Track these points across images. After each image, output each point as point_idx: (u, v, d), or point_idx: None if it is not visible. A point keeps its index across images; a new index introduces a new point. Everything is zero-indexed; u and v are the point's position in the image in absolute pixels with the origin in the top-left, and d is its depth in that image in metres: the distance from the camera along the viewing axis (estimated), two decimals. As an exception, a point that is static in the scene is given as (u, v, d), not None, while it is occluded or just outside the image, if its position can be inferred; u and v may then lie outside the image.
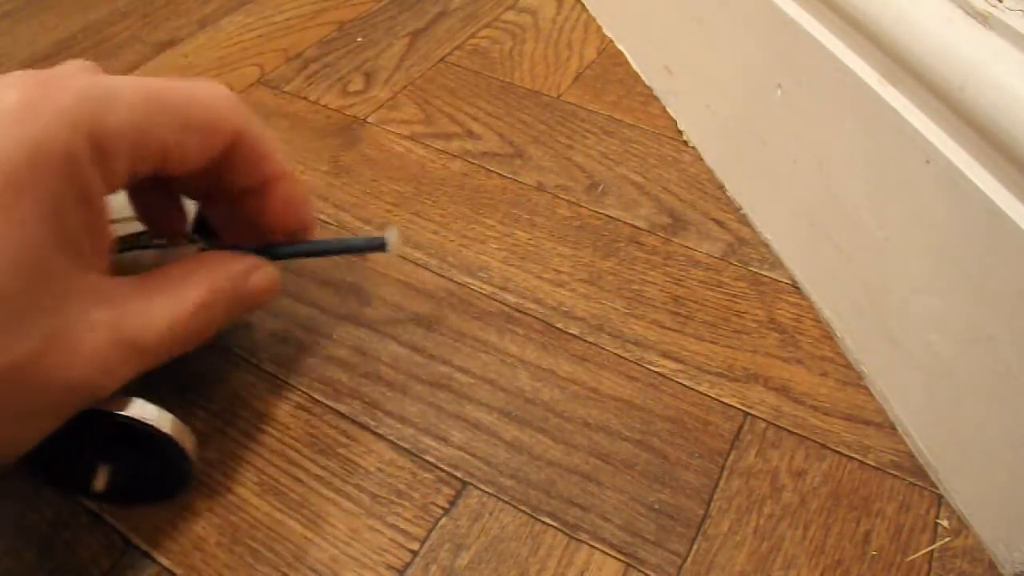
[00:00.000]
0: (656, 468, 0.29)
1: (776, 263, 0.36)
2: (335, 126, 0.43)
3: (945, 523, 0.28)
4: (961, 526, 0.28)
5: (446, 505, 0.28)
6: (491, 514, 0.27)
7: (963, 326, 0.26)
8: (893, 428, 0.30)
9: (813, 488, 0.28)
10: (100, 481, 0.25)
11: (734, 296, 0.35)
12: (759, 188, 0.37)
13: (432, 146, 0.42)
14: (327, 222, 0.37)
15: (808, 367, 0.32)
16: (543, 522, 0.27)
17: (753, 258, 0.37)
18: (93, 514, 0.27)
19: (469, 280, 0.35)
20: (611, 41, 0.50)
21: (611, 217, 0.38)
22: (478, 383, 0.31)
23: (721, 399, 0.31)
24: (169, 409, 0.30)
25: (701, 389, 0.31)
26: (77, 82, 0.20)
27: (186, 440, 0.25)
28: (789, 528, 0.27)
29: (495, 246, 0.37)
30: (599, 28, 0.51)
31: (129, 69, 0.48)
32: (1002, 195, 0.24)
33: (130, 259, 0.28)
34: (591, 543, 0.27)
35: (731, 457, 0.29)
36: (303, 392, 0.31)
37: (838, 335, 0.33)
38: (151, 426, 0.24)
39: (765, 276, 0.36)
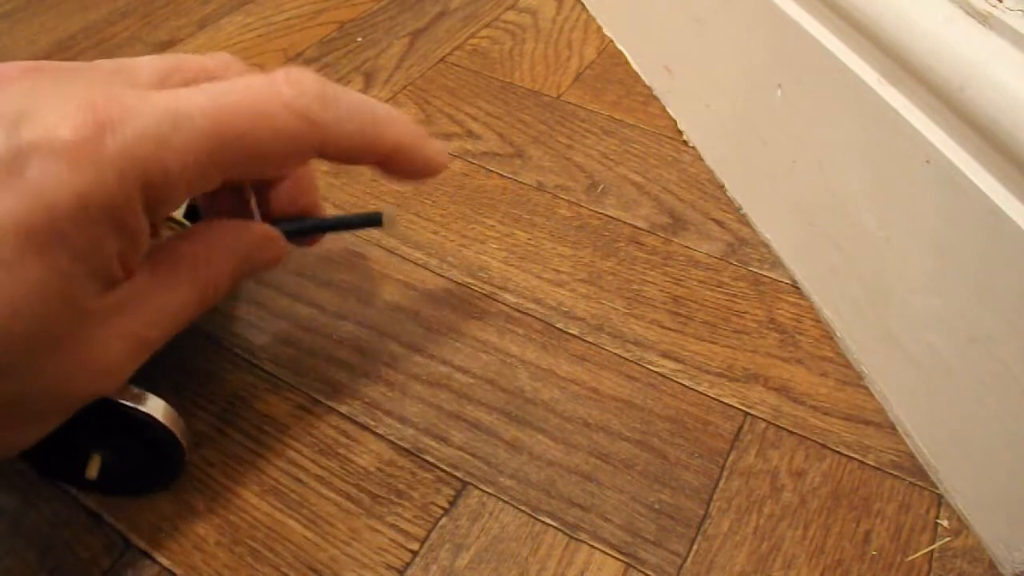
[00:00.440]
0: (656, 468, 0.29)
1: (776, 263, 0.36)
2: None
3: (945, 523, 0.28)
4: (961, 526, 0.28)
5: (446, 505, 0.28)
6: (491, 514, 0.27)
7: (963, 326, 0.26)
8: (893, 428, 0.30)
9: (813, 488, 0.28)
10: (92, 469, 0.25)
11: (734, 296, 0.35)
12: (759, 188, 0.37)
13: (432, 146, 0.42)
14: (327, 222, 0.37)
15: (808, 367, 0.32)
16: (543, 522, 0.27)
17: (753, 258, 0.37)
18: (93, 514, 0.27)
19: (469, 280, 0.35)
20: (611, 41, 0.50)
21: (611, 217, 0.38)
22: (478, 383, 0.31)
23: (721, 399, 0.31)
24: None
25: (701, 389, 0.31)
26: (140, 115, 0.19)
27: (178, 427, 0.25)
28: (789, 528, 0.27)
29: (495, 246, 0.37)
30: (599, 28, 0.51)
31: (129, 69, 0.47)
32: (1002, 195, 0.24)
33: None
34: (591, 543, 0.27)
35: (731, 457, 0.29)
36: (303, 392, 0.31)
37: (838, 335, 0.33)
38: (144, 412, 0.24)
39: (765, 276, 0.36)
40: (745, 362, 0.32)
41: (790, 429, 0.30)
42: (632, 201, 0.39)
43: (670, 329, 0.33)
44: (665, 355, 0.32)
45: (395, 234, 0.37)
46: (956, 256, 0.26)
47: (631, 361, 0.32)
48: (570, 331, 0.33)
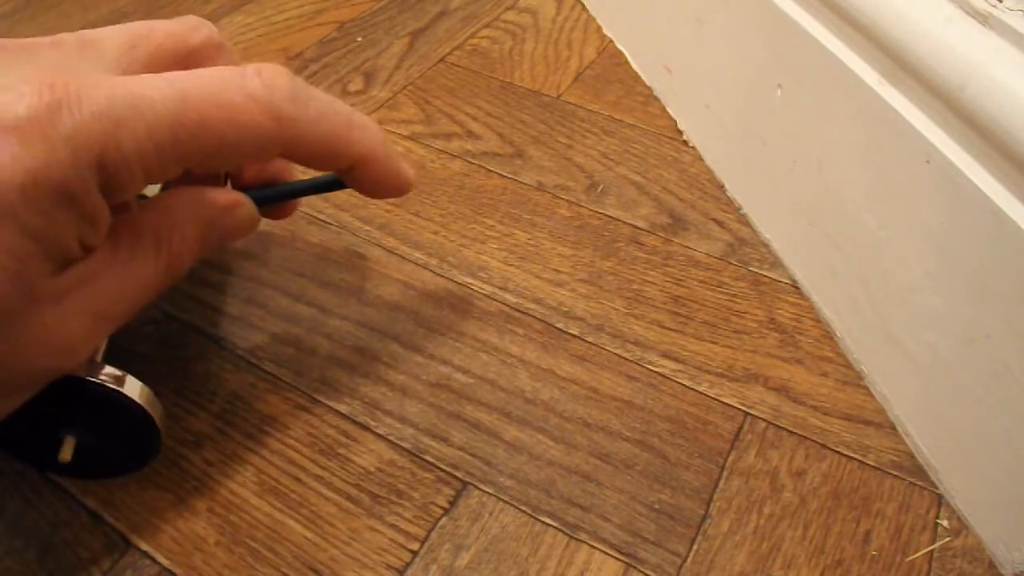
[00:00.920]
0: (656, 468, 0.29)
1: (776, 263, 0.36)
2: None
3: (945, 523, 0.28)
4: (961, 526, 0.28)
5: (446, 505, 0.28)
6: (491, 514, 0.27)
7: (963, 326, 0.26)
8: (893, 428, 0.30)
9: (813, 488, 0.28)
10: (66, 452, 0.25)
11: (734, 296, 0.35)
12: (759, 188, 0.37)
13: (432, 146, 0.42)
14: (327, 222, 0.37)
15: (808, 367, 0.32)
16: (543, 522, 0.27)
17: (753, 258, 0.37)
18: (93, 514, 0.27)
19: (469, 280, 0.35)
20: (611, 41, 0.50)
21: (611, 217, 0.38)
22: (478, 383, 0.31)
23: (721, 399, 0.31)
24: (168, 410, 0.30)
25: (701, 389, 0.31)
26: (97, 96, 0.18)
27: (152, 406, 0.25)
28: (789, 528, 0.27)
29: (495, 246, 0.37)
30: (599, 28, 0.51)
31: (129, 69, 0.48)
32: (1002, 195, 0.24)
33: None
34: (591, 543, 0.27)
35: (731, 457, 0.29)
36: (303, 392, 0.31)
37: (838, 335, 0.33)
38: (115, 390, 0.23)
39: (765, 276, 0.36)
40: (745, 362, 0.32)
41: (790, 429, 0.30)
42: (632, 201, 0.39)
43: (670, 329, 0.33)
44: (665, 355, 0.32)
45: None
46: (956, 256, 0.26)
47: (631, 361, 0.32)
48: (570, 331, 0.33)
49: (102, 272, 0.21)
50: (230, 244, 0.36)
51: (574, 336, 0.33)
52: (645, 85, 0.47)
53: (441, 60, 0.48)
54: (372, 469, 0.28)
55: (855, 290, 0.31)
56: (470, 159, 0.41)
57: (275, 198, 0.27)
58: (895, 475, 0.29)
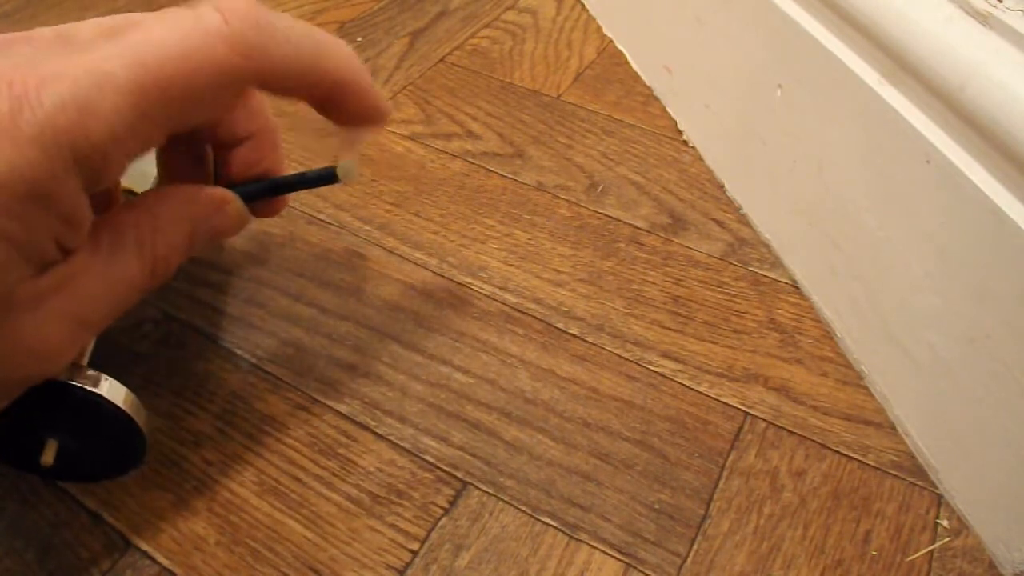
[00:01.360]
0: (656, 468, 0.29)
1: (776, 263, 0.36)
2: (335, 126, 0.43)
3: (945, 523, 0.28)
4: (961, 526, 0.28)
5: (446, 505, 0.28)
6: (491, 514, 0.27)
7: (963, 326, 0.26)
8: (893, 428, 0.30)
9: (813, 488, 0.28)
10: (48, 455, 0.24)
11: (734, 296, 0.35)
12: (759, 188, 0.37)
13: (432, 146, 0.42)
14: (327, 222, 0.37)
15: (808, 367, 0.32)
16: (543, 522, 0.27)
17: (753, 258, 0.37)
18: (93, 514, 0.27)
19: (469, 280, 0.35)
20: (611, 41, 0.50)
21: (611, 217, 0.38)
22: (478, 383, 0.31)
23: (721, 399, 0.31)
24: (168, 410, 0.30)
25: (701, 389, 0.31)
26: (58, 85, 0.17)
27: (135, 410, 0.24)
28: (789, 528, 0.27)
29: (495, 246, 0.37)
30: (599, 28, 0.51)
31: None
32: (1002, 195, 0.24)
33: (138, 173, 0.26)
34: (591, 543, 0.27)
35: (731, 457, 0.29)
36: (303, 392, 0.31)
37: (838, 335, 0.33)
38: (96, 393, 0.23)
39: (765, 276, 0.36)
40: (745, 362, 0.32)
41: (790, 429, 0.30)
42: (632, 201, 0.39)
43: (670, 329, 0.33)
44: (665, 355, 0.32)
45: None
46: (956, 256, 0.26)
47: (631, 361, 0.32)
48: (570, 331, 0.33)
49: (82, 274, 0.20)
50: (222, 242, 0.36)
51: (574, 336, 0.33)
52: (645, 85, 0.47)
53: (441, 60, 0.48)
54: (372, 469, 0.28)
55: (855, 290, 0.31)
56: (470, 159, 0.41)
57: (263, 193, 0.27)
58: (895, 475, 0.29)
